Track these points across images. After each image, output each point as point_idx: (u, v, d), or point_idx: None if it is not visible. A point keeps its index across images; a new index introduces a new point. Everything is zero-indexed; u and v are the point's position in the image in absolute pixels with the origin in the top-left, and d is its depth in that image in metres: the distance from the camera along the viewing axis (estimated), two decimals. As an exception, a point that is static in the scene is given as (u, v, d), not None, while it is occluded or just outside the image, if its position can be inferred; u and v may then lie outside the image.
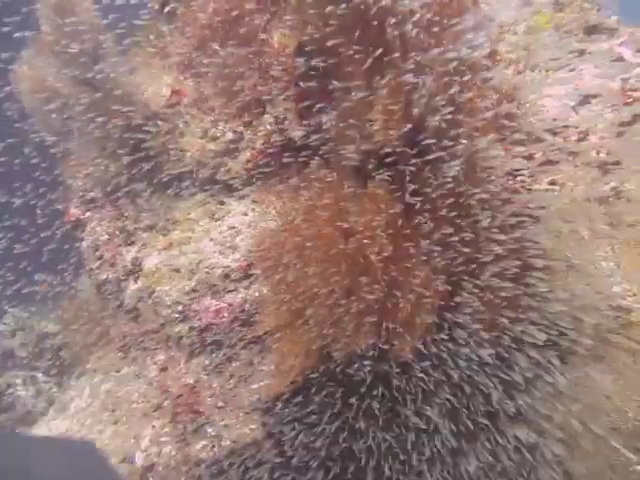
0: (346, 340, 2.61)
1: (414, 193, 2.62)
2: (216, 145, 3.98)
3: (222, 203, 3.96)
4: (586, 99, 3.71)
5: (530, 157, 3.67)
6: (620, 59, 3.84)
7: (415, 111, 2.61)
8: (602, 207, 2.36)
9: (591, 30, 4.11)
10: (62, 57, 3.84)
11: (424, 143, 2.61)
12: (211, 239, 3.77)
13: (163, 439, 3.47)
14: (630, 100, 3.57)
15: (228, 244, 3.69)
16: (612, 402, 2.20)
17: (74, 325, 4.62)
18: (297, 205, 2.78)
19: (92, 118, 3.92)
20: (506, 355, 2.51)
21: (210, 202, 4.00)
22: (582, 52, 3.98)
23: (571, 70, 3.91)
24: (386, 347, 2.55)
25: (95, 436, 4.11)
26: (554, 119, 3.64)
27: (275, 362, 2.88)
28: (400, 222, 2.53)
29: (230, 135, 3.92)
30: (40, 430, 5.23)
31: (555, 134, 3.61)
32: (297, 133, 3.48)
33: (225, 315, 3.46)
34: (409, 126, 2.59)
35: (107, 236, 3.96)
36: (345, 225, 2.59)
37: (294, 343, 2.79)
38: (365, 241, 2.49)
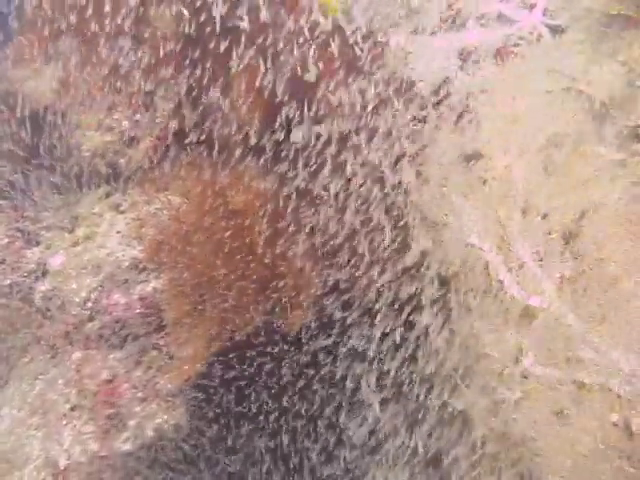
0: (240, 321, 2.65)
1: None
2: (112, 135, 3.90)
3: (127, 194, 3.90)
4: (473, 57, 3.79)
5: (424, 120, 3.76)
6: (503, 17, 3.93)
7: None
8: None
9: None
10: None
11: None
12: (117, 232, 3.72)
13: (84, 437, 3.45)
14: (513, 57, 3.67)
15: (134, 235, 3.65)
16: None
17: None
18: (178, 192, 2.79)
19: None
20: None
21: (114, 194, 3.93)
22: (467, 12, 4.05)
23: (454, 31, 3.98)
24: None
25: (26, 442, 4.05)
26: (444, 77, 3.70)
27: (179, 350, 2.90)
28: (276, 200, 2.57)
29: (126, 124, 3.85)
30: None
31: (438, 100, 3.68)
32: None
33: (137, 307, 3.45)
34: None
35: (7, 239, 3.85)
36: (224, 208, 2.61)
37: (194, 330, 2.81)
38: (244, 222, 2.52)
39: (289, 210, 2.63)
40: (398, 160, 2.89)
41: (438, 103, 3.52)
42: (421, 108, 3.40)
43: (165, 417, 3.38)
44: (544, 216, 2.08)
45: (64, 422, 3.58)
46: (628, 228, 1.95)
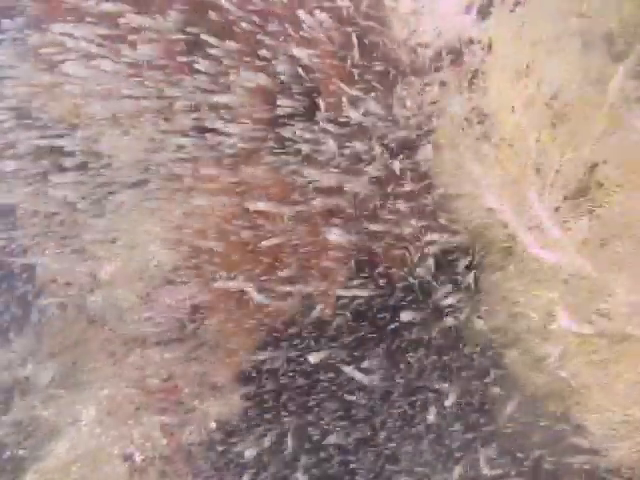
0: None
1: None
2: (139, 143, 4.02)
3: (161, 200, 4.03)
4: (484, 9, 3.65)
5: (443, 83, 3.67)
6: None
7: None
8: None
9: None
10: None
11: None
12: (156, 237, 3.87)
13: (153, 434, 3.66)
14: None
15: (173, 239, 3.78)
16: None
17: (61, 346, 4.78)
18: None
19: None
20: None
21: (149, 201, 4.07)
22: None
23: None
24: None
25: (104, 441, 4.33)
26: (457, 36, 3.59)
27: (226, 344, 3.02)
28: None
29: (151, 130, 3.96)
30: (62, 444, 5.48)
31: (460, 52, 3.58)
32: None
33: (183, 307, 3.59)
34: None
35: (57, 257, 4.07)
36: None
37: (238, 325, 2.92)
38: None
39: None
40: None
41: (450, 63, 3.44)
42: (431, 71, 3.34)
43: (223, 408, 3.53)
44: (557, 171, 2.01)
45: (132, 421, 3.80)
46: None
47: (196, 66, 3.32)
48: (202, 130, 3.51)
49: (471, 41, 3.62)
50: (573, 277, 1.96)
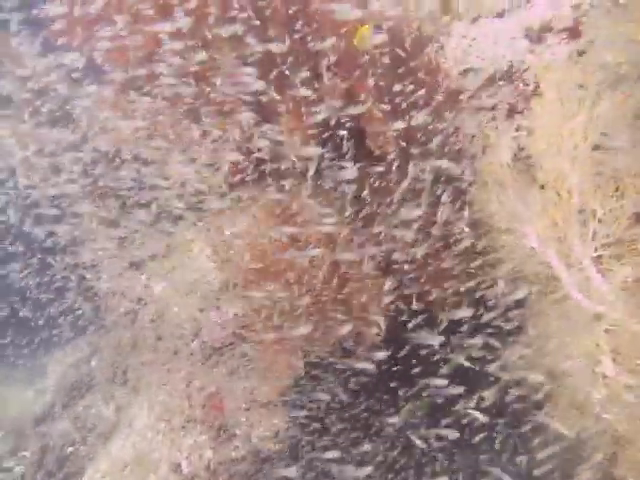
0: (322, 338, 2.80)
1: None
2: (195, 166, 4.19)
3: (211, 219, 4.18)
4: (540, 35, 3.59)
5: (494, 108, 3.64)
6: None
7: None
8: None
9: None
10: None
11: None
12: (207, 256, 4.01)
13: (200, 446, 3.79)
14: (582, 28, 3.43)
15: (222, 258, 3.91)
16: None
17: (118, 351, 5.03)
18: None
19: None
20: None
21: (202, 220, 4.23)
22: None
23: (521, 9, 3.78)
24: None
25: (155, 447, 4.52)
26: (509, 63, 3.56)
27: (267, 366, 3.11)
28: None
29: (206, 155, 4.12)
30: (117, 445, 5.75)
31: (512, 79, 3.54)
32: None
33: (231, 325, 3.71)
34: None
35: (118, 270, 4.29)
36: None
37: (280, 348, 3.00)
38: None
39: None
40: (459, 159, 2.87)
41: (501, 90, 3.43)
42: (481, 99, 3.32)
43: (267, 424, 3.62)
44: (600, 220, 1.98)
45: (182, 433, 3.95)
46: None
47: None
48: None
49: (524, 69, 3.60)
50: (615, 327, 1.92)
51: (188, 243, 4.18)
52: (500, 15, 3.97)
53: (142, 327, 4.38)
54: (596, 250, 1.97)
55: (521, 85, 3.52)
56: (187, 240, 4.21)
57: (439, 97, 3.12)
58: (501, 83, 3.56)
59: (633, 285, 1.89)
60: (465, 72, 3.71)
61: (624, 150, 1.95)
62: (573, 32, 3.46)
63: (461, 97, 3.50)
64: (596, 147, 2.06)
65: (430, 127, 3.14)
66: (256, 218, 3.31)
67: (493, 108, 3.58)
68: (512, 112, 3.46)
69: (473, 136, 2.96)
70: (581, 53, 3.29)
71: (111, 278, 4.48)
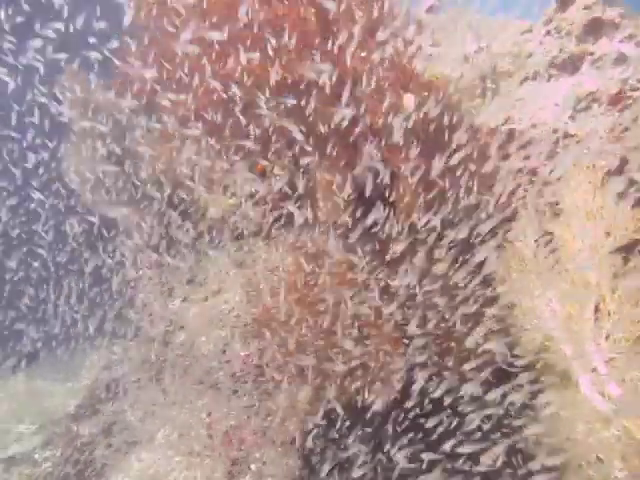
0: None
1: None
2: (235, 200, 4.35)
3: (249, 252, 4.32)
4: (585, 104, 3.59)
5: (533, 172, 3.66)
6: (621, 57, 3.67)
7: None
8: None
9: (593, 28, 3.93)
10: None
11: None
12: (240, 287, 4.14)
13: (214, 475, 3.89)
14: (630, 102, 3.42)
15: (253, 293, 4.04)
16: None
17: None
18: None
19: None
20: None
21: (238, 252, 4.38)
22: (582, 54, 3.84)
23: (567, 75, 3.79)
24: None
25: (173, 466, 4.65)
26: (553, 130, 3.57)
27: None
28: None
29: (247, 189, 4.27)
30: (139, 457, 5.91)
31: (555, 144, 3.55)
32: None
33: (254, 360, 3.82)
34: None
35: (154, 293, 4.47)
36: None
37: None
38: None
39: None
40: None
41: (539, 154, 3.45)
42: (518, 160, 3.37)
43: (281, 463, 3.70)
44: (614, 323, 1.97)
45: (198, 459, 4.06)
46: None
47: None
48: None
49: (565, 135, 3.60)
50: (624, 434, 1.90)
51: (222, 273, 4.33)
52: (548, 79, 4.00)
53: (172, 349, 4.54)
54: (610, 353, 1.96)
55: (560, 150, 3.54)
56: (220, 270, 4.35)
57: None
58: (539, 148, 3.58)
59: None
60: (505, 132, 3.75)
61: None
62: (617, 104, 3.46)
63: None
64: (618, 249, 2.07)
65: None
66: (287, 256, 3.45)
67: (524, 172, 3.62)
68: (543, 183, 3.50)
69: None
70: (625, 129, 3.29)
71: (149, 295, 4.67)
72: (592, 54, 3.82)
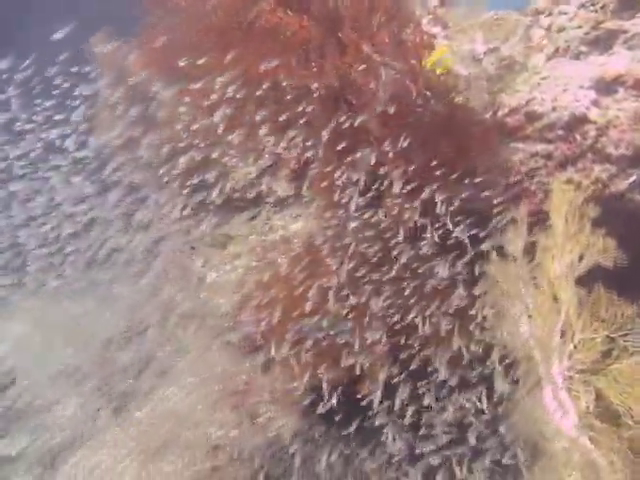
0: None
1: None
2: (257, 167, 4.48)
3: (268, 219, 4.49)
4: (611, 87, 3.44)
5: (549, 156, 3.58)
6: (656, 36, 3.45)
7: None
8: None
9: (630, 1, 3.68)
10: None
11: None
12: (257, 254, 4.33)
13: (229, 423, 4.23)
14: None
15: (268, 259, 4.22)
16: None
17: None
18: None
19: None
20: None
21: (257, 219, 4.54)
22: (615, 31, 3.63)
23: (598, 53, 3.61)
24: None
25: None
26: (572, 113, 3.45)
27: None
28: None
29: (268, 158, 4.38)
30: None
31: (571, 130, 3.44)
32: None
33: (263, 323, 4.05)
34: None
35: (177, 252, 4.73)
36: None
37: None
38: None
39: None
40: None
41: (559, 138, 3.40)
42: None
43: (284, 420, 3.99)
44: (575, 346, 2.00)
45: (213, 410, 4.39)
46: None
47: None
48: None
49: (586, 120, 3.47)
50: (579, 454, 1.97)
51: (241, 238, 4.52)
52: (577, 57, 3.82)
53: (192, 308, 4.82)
54: (569, 371, 2.01)
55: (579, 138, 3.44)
56: (240, 235, 4.54)
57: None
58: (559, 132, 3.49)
59: (595, 414, 1.93)
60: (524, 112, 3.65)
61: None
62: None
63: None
64: (582, 277, 2.07)
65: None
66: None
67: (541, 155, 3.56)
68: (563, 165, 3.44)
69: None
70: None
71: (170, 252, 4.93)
72: (626, 32, 3.62)
